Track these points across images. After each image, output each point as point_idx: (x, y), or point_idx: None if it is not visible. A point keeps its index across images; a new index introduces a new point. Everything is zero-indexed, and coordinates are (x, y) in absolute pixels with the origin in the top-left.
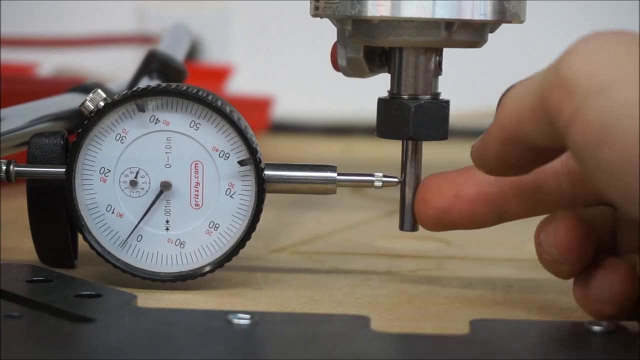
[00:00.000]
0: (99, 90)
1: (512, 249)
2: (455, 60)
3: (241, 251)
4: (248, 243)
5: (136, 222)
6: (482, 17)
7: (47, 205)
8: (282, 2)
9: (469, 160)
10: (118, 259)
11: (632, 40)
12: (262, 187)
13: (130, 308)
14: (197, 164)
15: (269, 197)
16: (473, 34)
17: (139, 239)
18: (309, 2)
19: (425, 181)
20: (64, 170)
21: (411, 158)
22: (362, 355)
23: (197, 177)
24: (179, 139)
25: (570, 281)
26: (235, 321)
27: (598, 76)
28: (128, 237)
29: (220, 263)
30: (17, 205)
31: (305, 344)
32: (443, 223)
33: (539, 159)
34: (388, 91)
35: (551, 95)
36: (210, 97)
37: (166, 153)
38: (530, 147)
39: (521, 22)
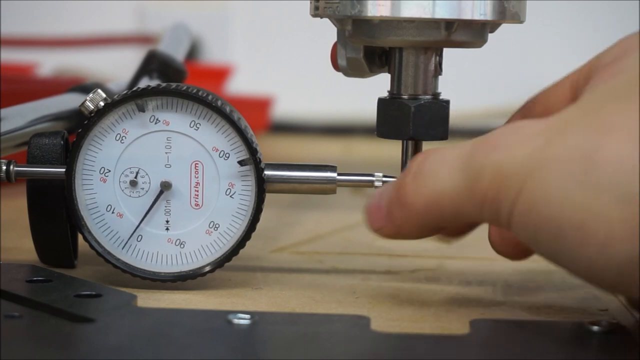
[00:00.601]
0: (99, 90)
1: None
2: (455, 60)
3: (241, 251)
4: (248, 243)
5: (136, 222)
6: (482, 17)
7: (47, 205)
8: (282, 2)
9: None
10: (118, 259)
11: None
12: (262, 187)
13: (130, 308)
14: (197, 164)
15: (269, 197)
16: (473, 34)
17: (139, 239)
18: (309, 2)
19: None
20: (64, 170)
21: (411, 158)
22: (362, 355)
23: (197, 177)
24: (179, 139)
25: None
26: (235, 321)
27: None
28: (129, 238)
29: (220, 263)
30: (17, 205)
31: (305, 344)
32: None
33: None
34: (388, 91)
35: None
36: (210, 97)
37: (166, 153)
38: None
39: (521, 22)
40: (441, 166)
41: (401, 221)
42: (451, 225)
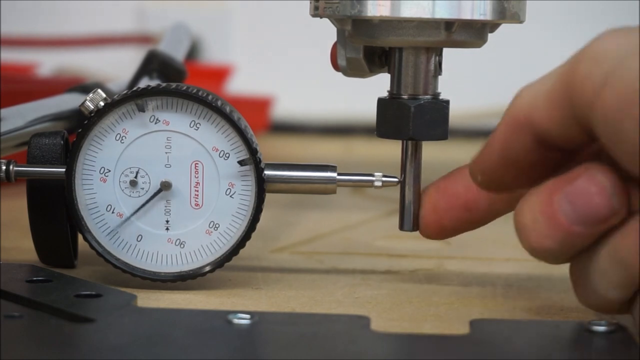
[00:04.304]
0: (99, 90)
1: (512, 249)
2: (455, 60)
3: (241, 251)
4: (248, 243)
5: (137, 223)
6: (482, 17)
7: (47, 205)
8: (282, 2)
9: (469, 160)
10: (118, 259)
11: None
12: (262, 187)
13: (130, 308)
14: (197, 163)
15: (269, 197)
16: (473, 34)
17: (139, 239)
18: (309, 2)
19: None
20: (64, 170)
21: (411, 158)
22: (362, 355)
23: (197, 177)
24: (179, 139)
25: (569, 281)
26: (235, 321)
27: (624, 47)
28: (118, 227)
29: (220, 263)
30: (17, 205)
31: (305, 344)
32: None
33: (540, 160)
34: (388, 91)
35: (577, 69)
36: (210, 97)
37: (166, 153)
38: (538, 136)
39: (521, 22)
40: (535, 81)
41: (489, 141)
42: (527, 145)
